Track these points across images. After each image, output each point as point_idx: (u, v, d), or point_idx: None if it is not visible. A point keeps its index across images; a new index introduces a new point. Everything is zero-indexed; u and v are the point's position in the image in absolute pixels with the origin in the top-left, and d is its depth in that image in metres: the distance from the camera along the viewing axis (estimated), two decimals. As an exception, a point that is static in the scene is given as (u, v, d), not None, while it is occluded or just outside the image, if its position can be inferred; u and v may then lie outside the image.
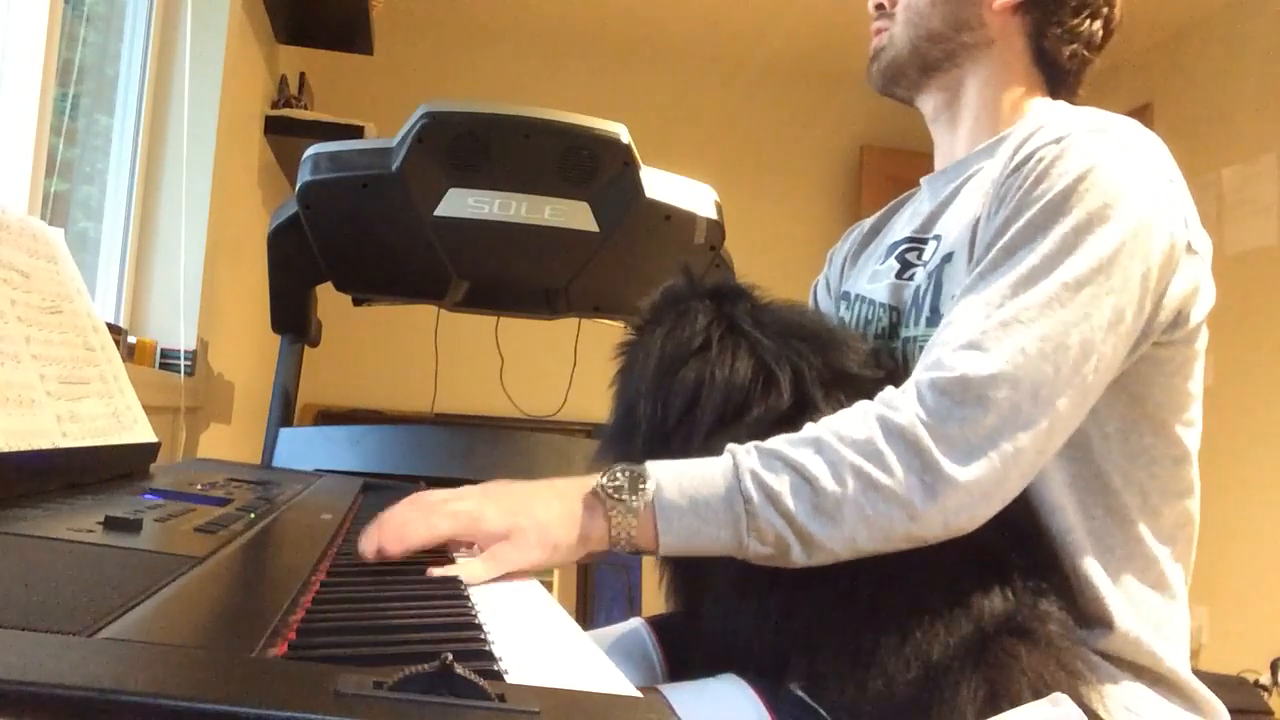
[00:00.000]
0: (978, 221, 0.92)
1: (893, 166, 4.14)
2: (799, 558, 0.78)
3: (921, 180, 1.12)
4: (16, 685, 0.32)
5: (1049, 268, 0.81)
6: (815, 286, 1.25)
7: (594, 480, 0.80)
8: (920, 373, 0.80)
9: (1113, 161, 0.83)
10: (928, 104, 1.08)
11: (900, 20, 1.03)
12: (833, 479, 0.77)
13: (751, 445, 0.80)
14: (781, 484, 0.77)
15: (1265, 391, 3.18)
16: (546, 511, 0.79)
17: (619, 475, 0.79)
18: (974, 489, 0.76)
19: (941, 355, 0.80)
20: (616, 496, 0.78)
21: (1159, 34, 3.68)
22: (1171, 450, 0.89)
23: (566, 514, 0.79)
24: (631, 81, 4.22)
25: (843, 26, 3.78)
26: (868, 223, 1.20)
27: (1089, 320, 0.80)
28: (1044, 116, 0.95)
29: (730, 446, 0.81)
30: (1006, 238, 0.84)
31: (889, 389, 0.82)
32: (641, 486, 0.78)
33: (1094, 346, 0.80)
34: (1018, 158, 0.88)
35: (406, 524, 0.75)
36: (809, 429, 0.81)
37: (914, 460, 0.76)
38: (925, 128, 1.10)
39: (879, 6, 1.08)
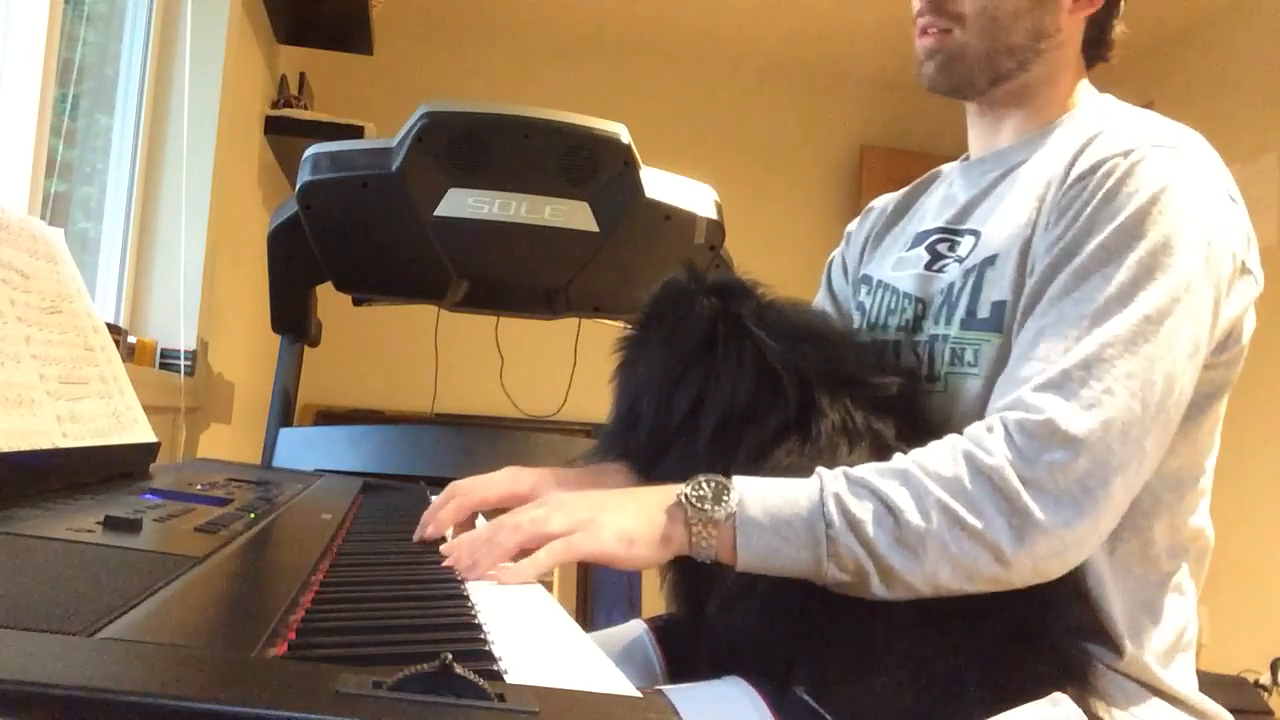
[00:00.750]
0: (1032, 229, 0.89)
1: (893, 166, 4.14)
2: (878, 589, 0.77)
3: (954, 166, 1.07)
4: (16, 685, 0.32)
5: (1127, 298, 0.79)
6: (830, 264, 1.21)
7: (676, 489, 0.79)
8: (1004, 411, 0.79)
9: (1185, 183, 0.82)
10: (982, 102, 1.02)
11: (975, 30, 0.95)
12: (918, 513, 0.76)
13: (840, 470, 0.79)
14: (865, 512, 0.76)
15: (1265, 392, 3.18)
16: (623, 510, 0.78)
17: (703, 485, 0.78)
18: (1066, 536, 0.75)
19: (1023, 395, 0.78)
20: (699, 506, 0.77)
21: (1159, 34, 3.68)
22: (1195, 470, 0.89)
23: (644, 515, 0.78)
24: (631, 81, 4.22)
25: (843, 26, 3.78)
26: (890, 201, 1.15)
27: (1171, 353, 0.78)
28: (1099, 117, 0.93)
29: (819, 470, 0.80)
30: (1078, 261, 0.82)
31: (976, 425, 0.80)
32: (725, 498, 0.77)
33: (1176, 379, 0.79)
34: (1079, 167, 0.86)
35: (476, 548, 0.76)
36: (898, 460, 0.79)
37: (1002, 503, 0.75)
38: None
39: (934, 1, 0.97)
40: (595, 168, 1.66)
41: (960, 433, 0.80)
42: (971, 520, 0.75)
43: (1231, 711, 0.89)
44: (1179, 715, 0.87)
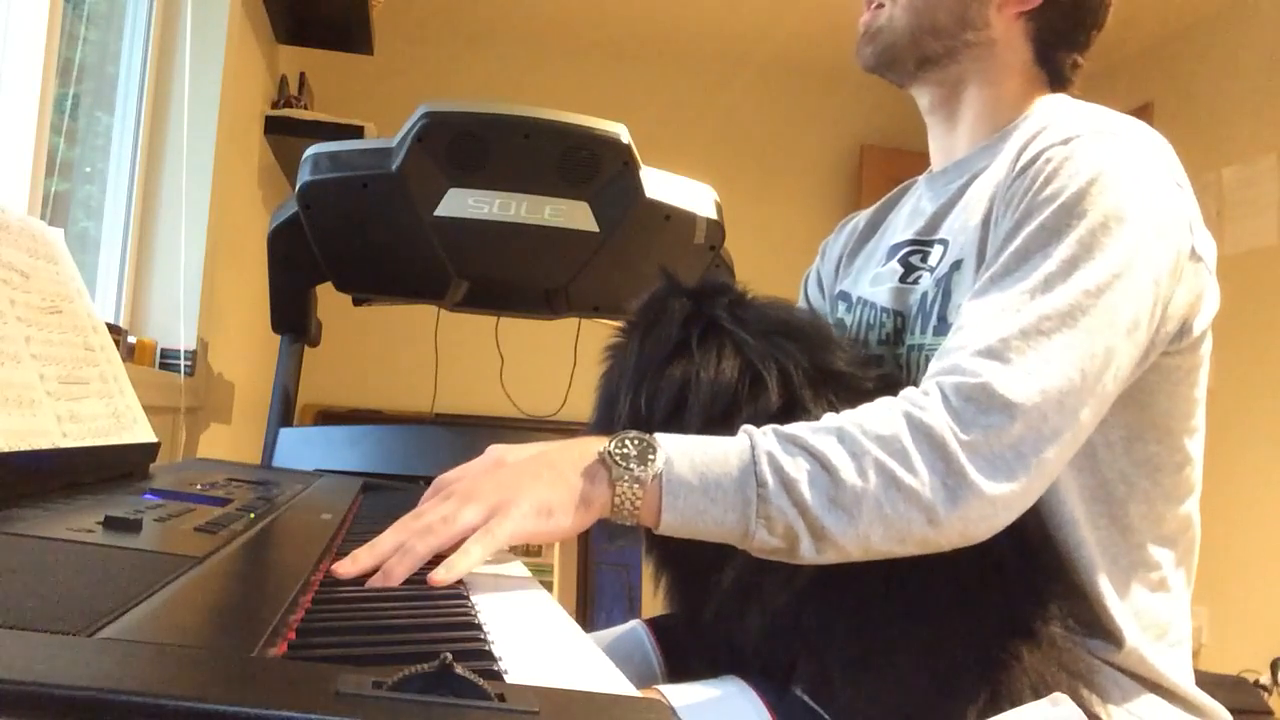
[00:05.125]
0: (985, 227, 0.90)
1: (893, 166, 4.14)
2: (808, 552, 0.75)
3: (919, 179, 1.10)
4: (16, 685, 0.32)
5: (1066, 273, 0.79)
6: (806, 279, 1.23)
7: (598, 444, 0.76)
8: (940, 376, 0.78)
9: (1123, 165, 0.82)
10: (923, 97, 1.05)
11: (902, 4, 0.99)
12: (855, 472, 0.74)
13: (770, 428, 0.77)
14: (799, 471, 0.74)
15: (1265, 391, 3.17)
16: (536, 481, 0.75)
17: (628, 443, 0.75)
18: (997, 500, 0.74)
19: (959, 360, 0.78)
20: (624, 464, 0.74)
21: (1159, 34, 3.68)
22: (1175, 457, 0.89)
23: (560, 480, 0.75)
24: (631, 81, 4.21)
25: (843, 27, 3.78)
26: (863, 218, 1.17)
27: (1112, 327, 0.78)
28: (1049, 115, 0.93)
29: (746, 427, 0.77)
30: (1018, 241, 0.82)
31: (911, 389, 0.79)
32: (651, 457, 0.74)
33: (1114, 354, 0.78)
34: (1023, 159, 0.87)
35: (383, 555, 0.70)
36: (830, 418, 0.78)
37: (939, 463, 0.74)
38: (922, 119, 1.08)
39: None
40: (595, 168, 1.66)
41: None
42: (908, 480, 0.73)
43: (1231, 711, 0.89)
44: (1176, 712, 0.87)
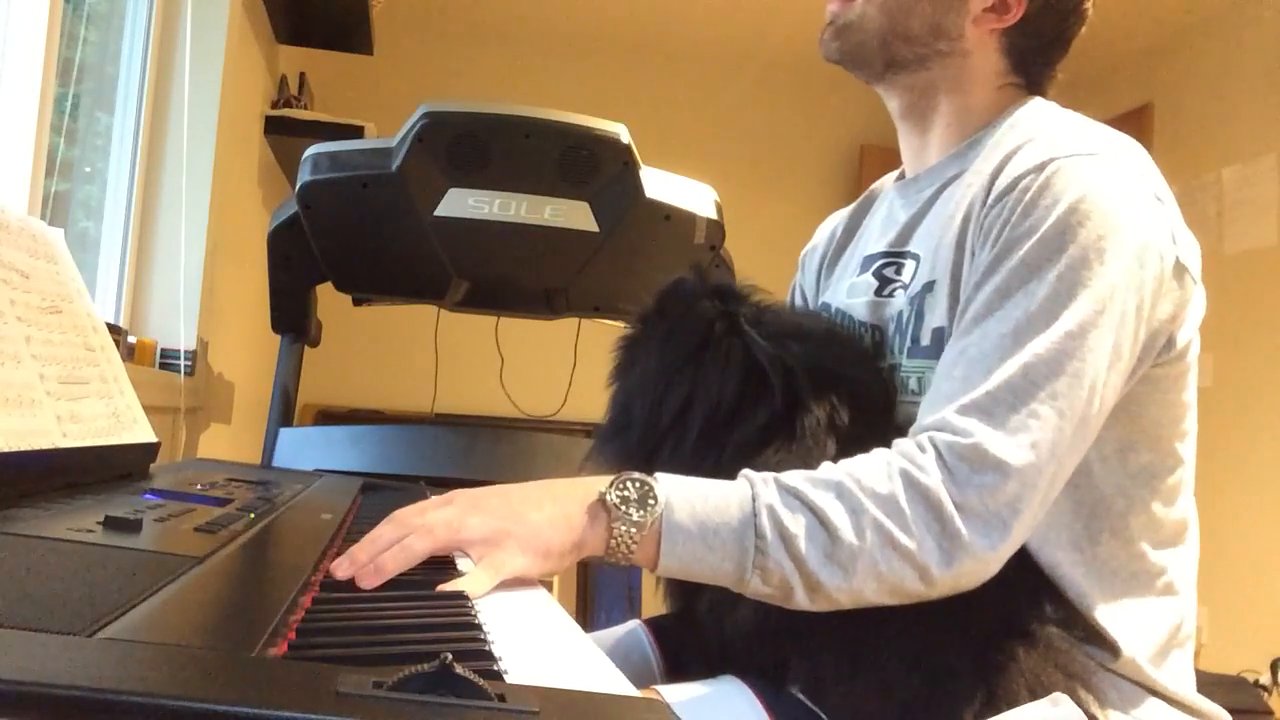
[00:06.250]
0: (960, 250, 0.88)
1: (892, 166, 4.11)
2: (800, 600, 0.76)
3: (889, 182, 1.08)
4: (16, 685, 0.32)
5: (1049, 313, 0.78)
6: (791, 293, 1.22)
7: (599, 485, 0.76)
8: (933, 432, 0.78)
9: (1100, 190, 0.81)
10: (891, 100, 1.03)
11: (876, 3, 0.95)
12: (852, 531, 0.74)
13: (770, 477, 0.77)
14: (798, 526, 0.75)
15: (1265, 391, 3.18)
16: (539, 515, 0.75)
17: (628, 487, 0.76)
18: (989, 556, 0.75)
19: (948, 416, 0.78)
20: (623, 509, 0.75)
21: (1159, 34, 3.68)
22: (1168, 462, 0.88)
23: (562, 518, 0.75)
24: (631, 81, 4.22)
25: (843, 26, 3.78)
26: (839, 224, 1.15)
27: (1095, 365, 0.78)
28: (1024, 129, 0.91)
29: (746, 473, 0.78)
30: (998, 277, 0.81)
31: (906, 442, 0.79)
32: (650, 503, 0.75)
33: (1097, 390, 0.78)
34: (998, 186, 0.85)
35: (381, 550, 0.69)
36: (829, 470, 0.78)
37: (935, 524, 0.75)
38: None
39: None
40: (595, 168, 1.66)
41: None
42: (904, 541, 0.74)
43: (1231, 711, 0.89)
44: (1177, 716, 0.87)
